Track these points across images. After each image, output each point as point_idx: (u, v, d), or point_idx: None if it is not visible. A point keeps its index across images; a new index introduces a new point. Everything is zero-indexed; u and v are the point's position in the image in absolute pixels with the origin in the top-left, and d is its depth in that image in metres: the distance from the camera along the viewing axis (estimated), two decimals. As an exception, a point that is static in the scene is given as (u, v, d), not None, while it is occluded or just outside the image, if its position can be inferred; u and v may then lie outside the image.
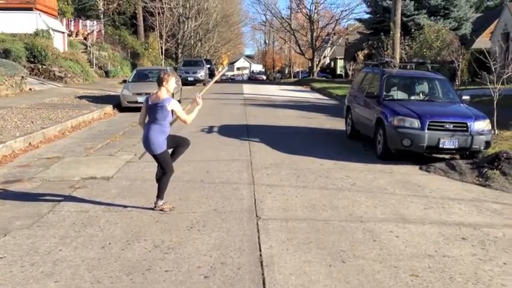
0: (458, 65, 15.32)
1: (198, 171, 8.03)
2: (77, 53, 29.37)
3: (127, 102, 16.74)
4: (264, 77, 66.66)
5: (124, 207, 6.14)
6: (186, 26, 46.50)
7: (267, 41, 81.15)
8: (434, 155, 9.33)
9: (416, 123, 8.77)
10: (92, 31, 36.53)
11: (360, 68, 29.06)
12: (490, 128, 9.34)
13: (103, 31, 37.94)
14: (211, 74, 39.95)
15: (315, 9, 49.22)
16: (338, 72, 56.77)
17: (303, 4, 50.71)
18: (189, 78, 29.59)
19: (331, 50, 58.18)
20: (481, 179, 7.79)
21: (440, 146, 8.67)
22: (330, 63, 65.06)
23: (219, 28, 56.97)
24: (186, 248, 4.85)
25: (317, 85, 32.20)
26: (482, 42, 29.19)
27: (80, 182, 7.36)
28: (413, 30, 27.36)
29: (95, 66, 30.47)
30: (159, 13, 38.35)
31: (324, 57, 60.47)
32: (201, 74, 30.66)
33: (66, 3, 34.66)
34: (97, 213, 5.91)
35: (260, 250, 4.81)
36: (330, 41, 51.35)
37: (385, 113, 9.33)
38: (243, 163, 8.75)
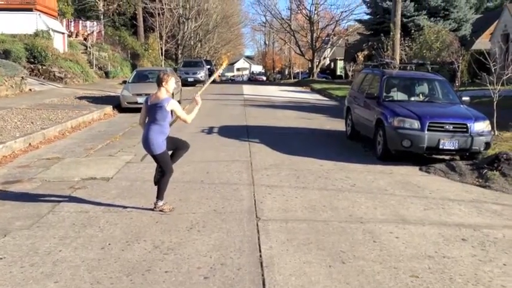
0: (458, 66, 15.31)
1: (198, 172, 8.03)
2: (77, 53, 29.38)
3: (127, 103, 16.74)
4: (264, 78, 66.63)
5: (124, 207, 6.14)
6: (186, 27, 46.54)
7: (267, 42, 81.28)
8: (434, 156, 9.33)
9: (416, 124, 8.78)
10: (92, 32, 36.56)
11: (360, 69, 29.09)
12: (490, 129, 9.34)
13: (103, 32, 37.96)
14: (211, 75, 39.99)
15: (315, 10, 49.28)
16: (338, 73, 56.77)
17: (303, 5, 50.78)
18: (189, 79, 29.58)
19: (331, 51, 58.25)
20: (481, 180, 7.79)
21: (440, 147, 8.67)
22: (330, 64, 65.09)
23: (219, 29, 57.03)
24: (186, 248, 4.85)
25: (317, 86, 32.20)
26: (482, 43, 29.24)
27: (79, 183, 7.36)
28: (413, 31, 27.39)
29: (95, 67, 30.48)
30: (159, 14, 38.42)
31: (324, 58, 60.53)
32: (201, 74, 30.64)
33: (66, 3, 34.67)
34: (97, 214, 5.91)
35: (260, 251, 4.81)
36: (330, 42, 51.38)
37: (385, 114, 9.34)
38: (243, 164, 8.75)
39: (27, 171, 8.09)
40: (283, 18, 53.90)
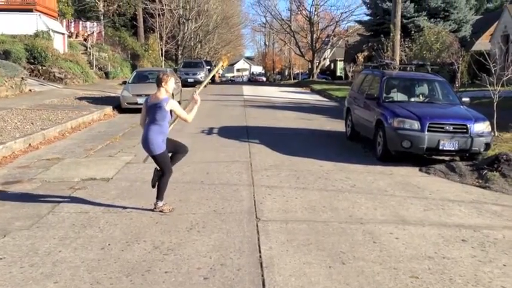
0: (458, 67, 15.33)
1: (198, 173, 8.03)
2: (77, 54, 29.39)
3: (127, 103, 16.74)
4: (264, 79, 66.67)
5: (124, 208, 6.14)
6: (186, 28, 46.55)
7: (267, 43, 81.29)
8: (434, 156, 9.34)
9: (416, 125, 8.78)
10: (92, 32, 36.56)
11: (360, 69, 29.09)
12: (490, 129, 9.34)
13: (103, 32, 37.96)
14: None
15: (315, 11, 49.33)
16: (338, 74, 56.81)
17: (303, 6, 50.84)
18: (189, 80, 29.60)
19: (331, 51, 58.34)
20: (480, 181, 7.79)
21: (440, 147, 8.67)
22: (329, 65, 65.14)
23: (219, 30, 57.03)
24: (186, 249, 4.85)
25: (317, 87, 32.22)
26: (482, 44, 29.25)
27: (79, 183, 7.36)
28: (413, 32, 27.38)
29: (95, 67, 30.49)
30: (159, 15, 38.42)
31: (324, 59, 60.60)
32: (201, 75, 30.65)
33: (66, 4, 34.68)
34: (97, 215, 5.90)
35: (260, 251, 4.81)
36: (330, 43, 51.43)
37: (385, 114, 9.34)
38: (243, 164, 8.75)
39: (27, 172, 8.09)
40: (283, 19, 53.96)
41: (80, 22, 36.85)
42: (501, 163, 8.05)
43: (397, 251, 4.88)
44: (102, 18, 38.23)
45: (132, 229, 5.41)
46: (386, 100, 10.09)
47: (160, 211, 5.92)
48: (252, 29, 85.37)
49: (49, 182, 7.44)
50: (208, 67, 37.50)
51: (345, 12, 48.99)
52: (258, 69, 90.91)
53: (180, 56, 45.97)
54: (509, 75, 11.88)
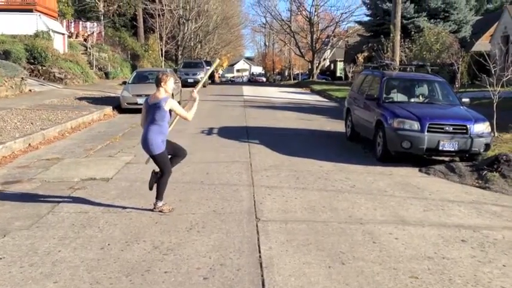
0: (458, 68, 15.33)
1: (197, 173, 8.03)
2: (77, 54, 29.39)
3: (127, 103, 16.75)
4: (264, 79, 66.72)
5: (123, 208, 6.14)
6: (186, 28, 46.55)
7: (267, 43, 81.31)
8: (433, 157, 9.34)
9: (416, 125, 8.78)
10: (92, 33, 36.56)
11: (360, 70, 29.09)
12: (490, 130, 9.35)
13: (103, 33, 37.96)
14: (211, 76, 39.97)
15: (315, 11, 49.38)
16: (338, 74, 56.85)
17: (303, 6, 50.90)
18: (189, 80, 29.60)
19: (331, 52, 58.37)
20: (480, 181, 7.79)
21: (440, 148, 8.68)
22: (329, 65, 65.16)
23: (219, 30, 56.99)
24: (186, 249, 4.85)
25: (317, 87, 32.24)
26: (482, 44, 29.29)
27: (79, 183, 7.36)
28: (413, 32, 27.39)
29: (95, 67, 30.49)
30: (159, 15, 38.43)
31: (324, 59, 60.62)
32: (201, 75, 30.63)
33: (66, 4, 34.68)
34: (96, 214, 5.90)
35: (259, 251, 4.81)
36: (330, 43, 51.47)
37: (384, 115, 9.34)
38: (243, 165, 8.75)
39: (27, 172, 8.09)
40: (283, 20, 54.01)
41: (80, 22, 36.85)
42: (501, 164, 8.05)
43: (397, 251, 4.88)
44: (102, 18, 38.23)
45: (132, 229, 5.41)
46: (386, 101, 10.09)
47: (160, 211, 5.92)
48: (252, 30, 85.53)
49: (49, 182, 7.44)
50: (208, 67, 37.52)
51: (345, 13, 49.11)
52: (258, 69, 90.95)
53: (180, 57, 45.97)
54: (509, 76, 11.89)
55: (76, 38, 34.21)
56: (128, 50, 39.04)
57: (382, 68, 12.78)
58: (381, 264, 4.55)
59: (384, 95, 10.18)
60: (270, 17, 56.11)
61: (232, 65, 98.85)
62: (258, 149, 10.30)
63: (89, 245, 4.93)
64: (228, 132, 12.34)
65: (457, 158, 9.28)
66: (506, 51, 23.61)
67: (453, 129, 8.76)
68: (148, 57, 41.40)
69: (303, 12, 50.82)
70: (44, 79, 23.86)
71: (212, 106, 19.04)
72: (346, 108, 12.27)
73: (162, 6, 39.12)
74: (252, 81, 61.95)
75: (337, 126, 13.65)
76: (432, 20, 31.67)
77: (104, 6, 38.11)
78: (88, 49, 32.00)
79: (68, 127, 12.71)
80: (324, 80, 46.86)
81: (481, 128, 8.93)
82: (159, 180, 5.90)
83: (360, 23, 42.13)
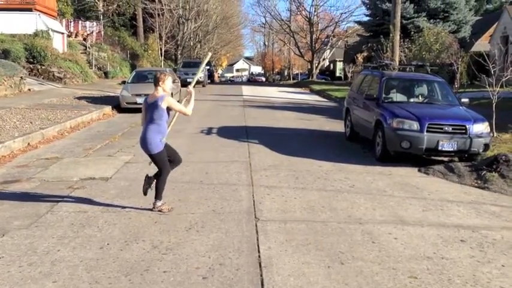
0: (458, 68, 15.33)
1: (197, 173, 8.03)
2: (76, 53, 29.36)
3: (126, 103, 16.74)
4: (263, 79, 66.69)
5: (122, 207, 6.14)
6: (185, 28, 46.54)
7: (266, 43, 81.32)
8: (433, 157, 9.35)
9: (415, 125, 8.78)
10: (92, 32, 36.53)
11: (359, 70, 29.08)
12: (489, 130, 9.35)
13: (102, 32, 37.93)
14: (211, 75, 39.98)
15: (315, 11, 49.38)
16: (337, 74, 56.83)
17: (303, 6, 50.91)
18: (189, 80, 29.46)
19: (330, 52, 58.35)
20: (479, 182, 7.79)
21: (439, 148, 8.68)
22: (329, 65, 65.16)
23: (218, 30, 56.99)
24: (185, 248, 4.85)
25: (316, 87, 32.25)
26: (482, 45, 29.28)
27: (78, 183, 7.35)
28: (412, 32, 27.39)
29: (94, 67, 30.46)
30: (158, 14, 38.40)
31: (323, 59, 60.61)
32: (201, 75, 30.64)
33: (65, 4, 34.64)
34: (95, 214, 5.90)
35: (259, 251, 4.81)
36: (330, 43, 51.47)
37: (384, 115, 9.34)
38: (242, 164, 8.75)
39: (26, 171, 8.08)
40: (282, 20, 54.01)
41: (80, 22, 36.82)
42: (500, 164, 8.06)
43: (396, 251, 4.88)
44: (101, 17, 38.20)
45: (131, 229, 5.41)
46: (386, 101, 10.09)
47: (159, 211, 5.92)
48: (251, 29, 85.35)
49: (48, 182, 7.44)
50: (208, 67, 37.53)
51: (345, 13, 49.14)
52: (257, 69, 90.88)
53: (179, 56, 45.94)
54: (509, 76, 11.89)
55: (75, 37, 34.18)
56: (127, 50, 39.02)
57: (381, 68, 12.77)
58: (380, 264, 4.56)
59: (383, 95, 10.18)
60: (269, 16, 56.18)
61: (231, 65, 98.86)
62: (257, 148, 10.30)
63: (88, 245, 4.93)
64: (228, 132, 12.34)
65: (456, 158, 9.29)
66: (506, 51, 23.60)
67: (452, 129, 8.77)
68: (147, 56, 41.38)
69: (303, 12, 50.85)
70: (43, 78, 23.84)
71: (211, 106, 19.04)
72: (345, 108, 12.27)
73: (162, 5, 39.09)
74: (252, 81, 61.93)
75: (337, 126, 13.65)
76: (432, 20, 31.67)
77: (103, 5, 38.08)
78: (87, 48, 31.97)
79: (67, 126, 12.70)
80: (323, 80, 46.87)
81: (480, 128, 8.93)
82: (157, 180, 5.90)
83: (359, 23, 42.12)
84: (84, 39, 34.11)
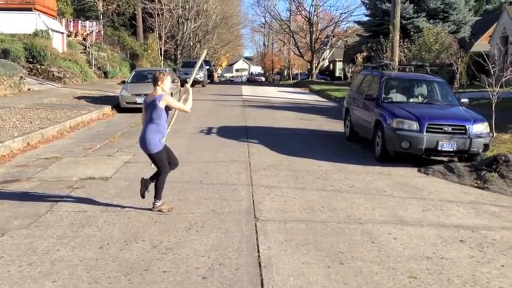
0: (457, 68, 15.34)
1: (196, 172, 8.02)
2: (76, 53, 29.34)
3: (126, 103, 16.74)
4: (263, 79, 66.70)
5: (122, 207, 6.14)
6: (185, 28, 46.52)
7: (266, 43, 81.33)
8: (432, 157, 9.35)
9: (415, 125, 8.79)
10: (91, 32, 36.52)
11: (359, 70, 29.10)
12: (489, 130, 9.36)
13: (102, 32, 37.91)
14: (210, 75, 39.95)
15: (314, 11, 49.35)
16: (337, 74, 56.84)
17: (303, 6, 50.89)
18: (188, 79, 29.57)
19: (330, 52, 58.31)
20: (479, 182, 7.80)
21: (439, 148, 8.68)
22: (328, 65, 65.17)
23: (218, 30, 57.01)
24: (184, 248, 4.85)
25: (316, 87, 32.25)
26: (481, 45, 29.29)
27: (78, 182, 7.35)
28: (412, 33, 27.40)
29: (94, 66, 30.45)
30: (158, 14, 38.37)
31: (323, 59, 60.60)
32: (200, 75, 30.60)
33: (65, 3, 34.62)
34: (95, 214, 5.90)
35: (258, 251, 4.81)
36: (329, 43, 51.45)
37: (383, 115, 9.34)
38: (242, 164, 8.75)
39: (26, 171, 8.08)
40: (282, 20, 53.99)
41: (79, 21, 36.80)
42: (499, 164, 8.06)
43: (396, 251, 4.88)
44: (101, 17, 38.18)
45: (131, 228, 5.41)
46: (385, 101, 10.09)
47: (159, 210, 5.92)
48: (251, 29, 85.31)
49: (47, 181, 7.44)
50: (207, 67, 37.50)
51: (344, 13, 49.12)
52: (257, 69, 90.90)
53: (179, 56, 45.94)
54: (508, 77, 11.90)
55: (75, 37, 34.17)
56: (127, 49, 39.01)
57: (381, 68, 12.78)
58: (380, 264, 4.56)
59: (383, 95, 10.18)
60: (269, 16, 56.17)
61: (231, 65, 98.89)
62: (257, 148, 10.30)
63: (87, 244, 4.93)
64: (227, 132, 12.34)
65: (455, 158, 9.29)
66: (505, 51, 23.61)
67: (452, 129, 8.77)
68: (147, 56, 41.36)
69: (302, 12, 50.84)
70: (42, 78, 23.82)
71: (211, 106, 19.04)
72: (345, 108, 12.27)
73: (161, 5, 39.08)
74: (251, 81, 61.95)
75: (336, 126, 13.65)
76: (431, 21, 31.67)
77: (103, 5, 38.06)
78: (87, 48, 31.95)
79: (67, 126, 12.70)
80: (323, 80, 46.86)
81: (480, 128, 8.93)
82: (157, 179, 5.91)
83: (359, 23, 42.13)
84: (84, 39, 34.10)
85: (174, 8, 42.77)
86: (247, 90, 29.69)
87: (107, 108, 16.59)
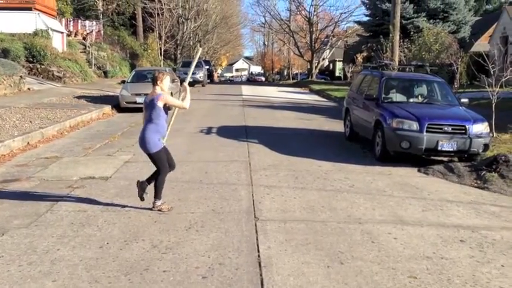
0: (457, 68, 15.34)
1: (196, 172, 8.02)
2: (76, 53, 29.33)
3: (125, 102, 16.74)
4: (263, 79, 66.71)
5: (122, 207, 6.14)
6: (185, 27, 46.48)
7: (266, 43, 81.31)
8: (432, 157, 9.35)
9: (415, 125, 8.79)
10: (91, 31, 36.48)
11: (359, 70, 29.10)
12: (489, 130, 9.36)
13: (102, 31, 37.89)
14: (210, 75, 39.95)
15: (314, 11, 49.33)
16: (337, 74, 56.82)
17: (302, 6, 50.86)
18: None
19: (330, 52, 58.26)
20: (479, 182, 7.80)
21: (439, 148, 8.68)
22: (328, 65, 65.16)
23: (218, 29, 56.99)
24: (184, 248, 4.85)
25: (316, 87, 32.24)
26: (481, 45, 29.29)
27: (78, 182, 7.35)
28: (412, 33, 27.39)
29: (94, 66, 30.44)
30: (158, 14, 38.35)
31: (323, 59, 60.59)
32: (200, 75, 30.65)
33: (65, 3, 34.61)
34: (95, 213, 5.90)
35: (258, 251, 4.81)
36: (329, 43, 51.43)
37: (383, 115, 9.35)
38: (242, 164, 8.74)
39: (26, 170, 8.08)
40: (282, 19, 53.97)
41: (79, 21, 36.76)
42: (499, 164, 8.06)
43: (396, 251, 4.88)
44: (101, 17, 38.17)
45: (131, 228, 5.41)
46: (385, 101, 10.09)
47: (159, 210, 5.92)
48: (251, 29, 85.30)
49: (47, 181, 7.44)
50: (207, 67, 37.51)
51: (344, 13, 49.08)
52: (257, 69, 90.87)
53: (179, 56, 45.90)
54: (508, 77, 11.90)
55: (75, 36, 34.15)
56: (126, 49, 38.99)
57: (381, 68, 12.78)
58: (380, 264, 4.56)
59: (383, 95, 10.18)
60: (269, 16, 56.13)
61: (231, 65, 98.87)
62: (257, 148, 10.30)
63: (87, 244, 4.93)
64: (227, 132, 12.33)
65: (455, 158, 9.29)
66: (505, 51, 23.61)
67: (452, 129, 8.77)
68: (147, 56, 41.35)
69: (302, 12, 50.81)
70: (42, 77, 23.81)
71: (211, 105, 19.04)
72: (345, 108, 12.27)
73: (161, 5, 39.04)
74: (251, 80, 61.96)
75: (336, 126, 13.65)
76: (431, 21, 31.67)
77: (103, 4, 38.06)
78: (87, 48, 31.93)
79: (67, 126, 12.70)
80: (322, 80, 46.85)
81: (480, 128, 8.94)
82: (156, 179, 5.91)
83: (359, 23, 42.12)
84: (84, 39, 34.08)
85: (174, 7, 42.74)
86: (247, 90, 29.69)
87: (107, 108, 16.59)
